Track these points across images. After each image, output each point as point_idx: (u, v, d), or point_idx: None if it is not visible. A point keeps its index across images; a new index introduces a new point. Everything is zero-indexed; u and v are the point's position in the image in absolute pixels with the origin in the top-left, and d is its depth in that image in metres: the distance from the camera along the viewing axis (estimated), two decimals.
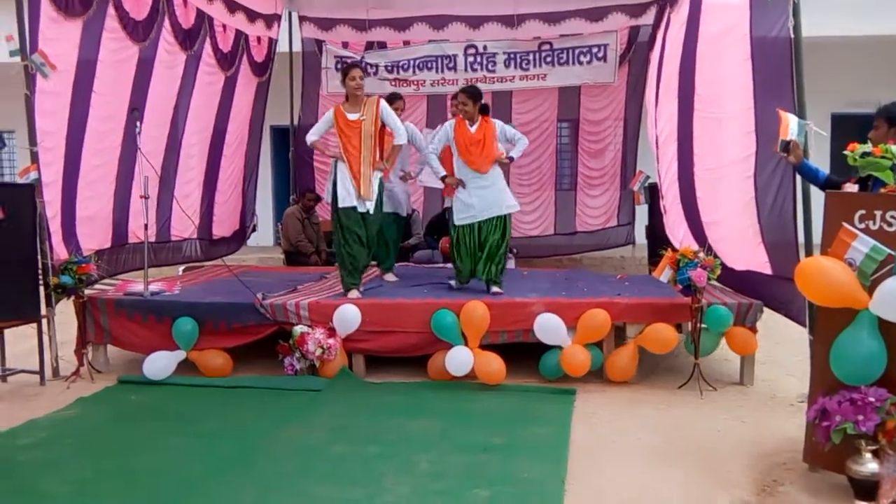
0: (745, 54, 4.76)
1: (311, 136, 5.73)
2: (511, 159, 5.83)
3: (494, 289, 5.52)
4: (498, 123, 5.74)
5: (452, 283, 5.87)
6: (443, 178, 5.81)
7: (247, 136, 8.50)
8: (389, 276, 6.44)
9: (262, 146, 9.30)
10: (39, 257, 4.98)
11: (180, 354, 5.12)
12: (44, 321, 5.02)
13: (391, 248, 6.54)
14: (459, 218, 5.66)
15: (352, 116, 5.50)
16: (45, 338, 5.04)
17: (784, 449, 3.66)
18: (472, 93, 5.67)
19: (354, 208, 5.48)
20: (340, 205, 5.49)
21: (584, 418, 4.24)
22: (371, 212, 5.53)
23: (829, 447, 3.05)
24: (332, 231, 5.98)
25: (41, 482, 3.36)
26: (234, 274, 6.16)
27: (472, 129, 5.64)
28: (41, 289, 5.00)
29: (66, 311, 5.36)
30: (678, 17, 6.20)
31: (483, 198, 5.60)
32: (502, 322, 5.04)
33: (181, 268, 7.59)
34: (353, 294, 5.43)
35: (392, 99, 6.30)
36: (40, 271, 4.99)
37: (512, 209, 5.72)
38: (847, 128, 6.87)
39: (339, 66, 9.12)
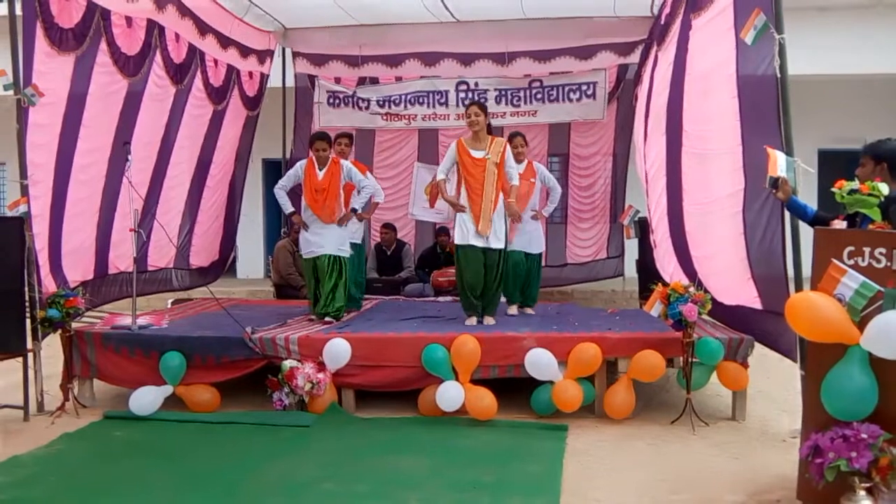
0: (732, 92, 4.83)
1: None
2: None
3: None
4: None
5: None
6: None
7: (232, 168, 8.50)
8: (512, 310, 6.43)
9: (254, 179, 9.32)
10: (27, 290, 4.94)
11: (167, 389, 5.05)
12: (29, 355, 4.95)
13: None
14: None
15: (477, 154, 5.66)
16: (31, 372, 4.96)
17: (777, 486, 3.63)
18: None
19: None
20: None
21: (577, 455, 4.20)
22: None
23: (822, 484, 3.02)
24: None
25: None
26: (223, 307, 6.12)
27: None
28: (27, 322, 4.94)
29: (52, 345, 5.29)
30: (666, 56, 6.30)
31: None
32: (493, 357, 5.01)
33: (169, 301, 7.54)
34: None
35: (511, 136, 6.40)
36: (27, 304, 4.94)
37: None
38: (834, 164, 6.96)
39: (331, 100, 9.21)
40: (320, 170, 5.90)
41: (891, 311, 2.95)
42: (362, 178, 6.13)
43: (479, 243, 5.60)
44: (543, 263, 9.45)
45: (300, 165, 6.00)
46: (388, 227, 8.77)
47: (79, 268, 5.94)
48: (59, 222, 5.64)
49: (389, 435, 4.59)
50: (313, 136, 6.19)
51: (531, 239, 6.47)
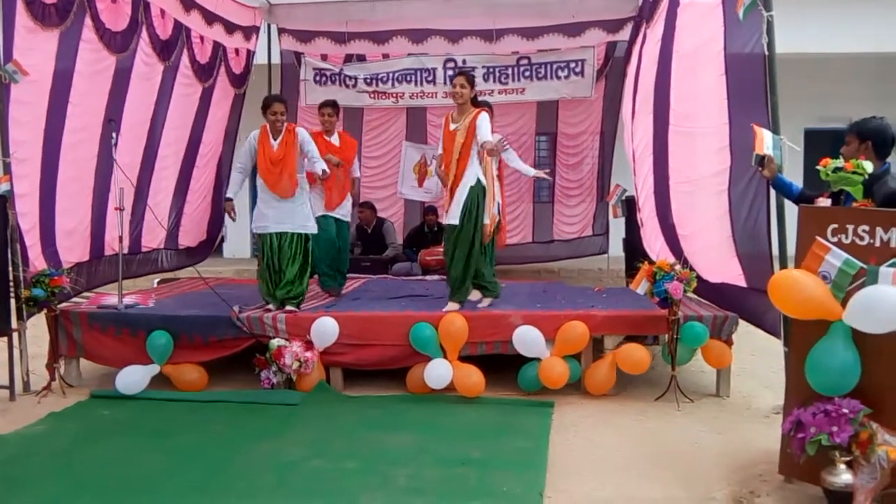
0: (720, 70, 4.83)
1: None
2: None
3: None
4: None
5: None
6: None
7: (221, 147, 8.43)
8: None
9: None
10: (11, 269, 4.90)
11: (154, 368, 5.05)
12: (15, 335, 4.92)
13: None
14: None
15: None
16: (16, 351, 4.94)
17: (760, 460, 3.68)
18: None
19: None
20: None
21: (563, 430, 4.24)
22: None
23: (804, 459, 3.07)
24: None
25: (9, 501, 3.28)
26: (210, 286, 6.10)
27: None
28: (12, 301, 4.91)
29: (37, 325, 5.26)
30: (654, 34, 6.28)
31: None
32: (481, 334, 5.04)
33: (156, 280, 7.51)
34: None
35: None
36: (11, 284, 4.90)
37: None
38: (819, 143, 6.98)
39: (317, 78, 9.12)
40: (275, 140, 5.35)
41: (872, 287, 2.98)
42: (314, 148, 5.50)
43: (449, 220, 5.37)
44: (531, 240, 9.59)
45: (253, 136, 5.41)
46: (365, 206, 8.66)
47: (75, 249, 5.91)
48: (50, 202, 5.57)
49: (378, 412, 4.61)
50: (267, 98, 5.55)
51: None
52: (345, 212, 6.42)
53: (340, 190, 6.24)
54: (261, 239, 5.50)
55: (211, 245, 8.64)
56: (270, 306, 5.39)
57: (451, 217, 5.33)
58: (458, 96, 5.34)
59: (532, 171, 6.56)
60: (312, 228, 5.54)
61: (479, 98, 5.99)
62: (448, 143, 5.39)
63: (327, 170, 5.51)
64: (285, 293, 5.35)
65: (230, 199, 5.58)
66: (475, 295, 5.56)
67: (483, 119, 5.29)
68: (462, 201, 5.28)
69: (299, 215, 5.44)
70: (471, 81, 5.40)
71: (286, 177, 5.37)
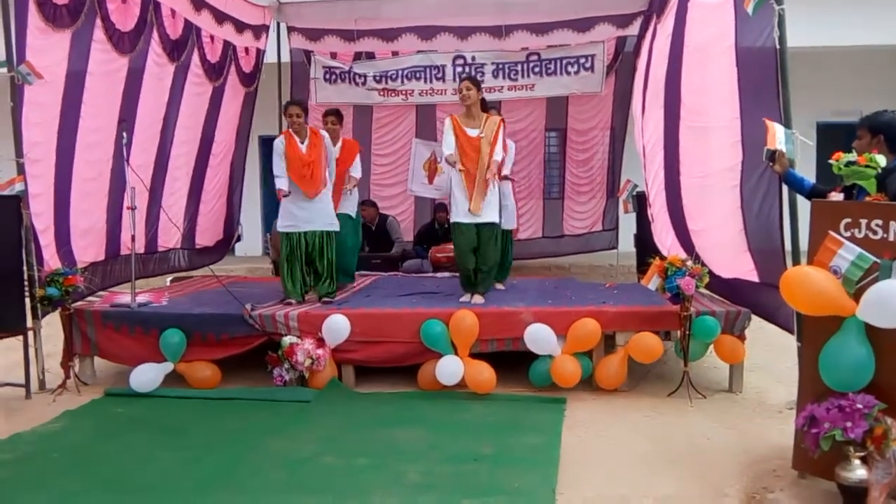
0: (731, 64, 4.80)
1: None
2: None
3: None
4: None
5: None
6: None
7: (233, 147, 8.47)
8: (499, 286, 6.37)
9: (251, 156, 9.27)
10: (25, 269, 4.94)
11: (168, 366, 5.08)
12: (30, 333, 4.97)
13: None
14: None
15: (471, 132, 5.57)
16: (31, 350, 4.99)
17: (773, 456, 3.67)
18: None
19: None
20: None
21: (575, 427, 4.24)
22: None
23: (818, 454, 3.05)
24: None
25: (25, 498, 3.32)
26: (222, 284, 6.13)
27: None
28: (27, 301, 4.95)
29: (52, 323, 5.31)
30: (664, 28, 6.25)
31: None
32: (491, 331, 5.04)
33: (168, 279, 7.55)
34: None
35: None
36: (26, 283, 4.94)
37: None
38: (832, 137, 6.93)
39: (326, 76, 9.14)
40: (302, 143, 5.64)
41: (886, 281, 2.96)
42: (332, 154, 5.90)
43: (472, 220, 5.58)
44: (541, 235, 9.58)
45: (279, 142, 5.68)
46: (367, 204, 8.60)
47: (91, 248, 5.96)
48: (65, 202, 5.62)
49: (389, 409, 4.62)
50: (287, 102, 5.98)
51: (504, 215, 6.40)
52: (353, 209, 6.43)
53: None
54: (288, 238, 5.68)
55: (227, 244, 8.70)
56: (292, 301, 5.55)
57: (489, 216, 5.61)
58: (466, 98, 5.55)
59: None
60: (336, 226, 5.79)
61: (487, 96, 6.14)
62: (471, 149, 5.55)
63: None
64: (324, 289, 5.67)
65: (284, 191, 5.65)
66: (466, 297, 5.66)
67: (501, 136, 5.67)
68: (494, 202, 5.64)
69: (326, 213, 5.73)
70: (476, 83, 5.65)
71: (317, 177, 5.63)
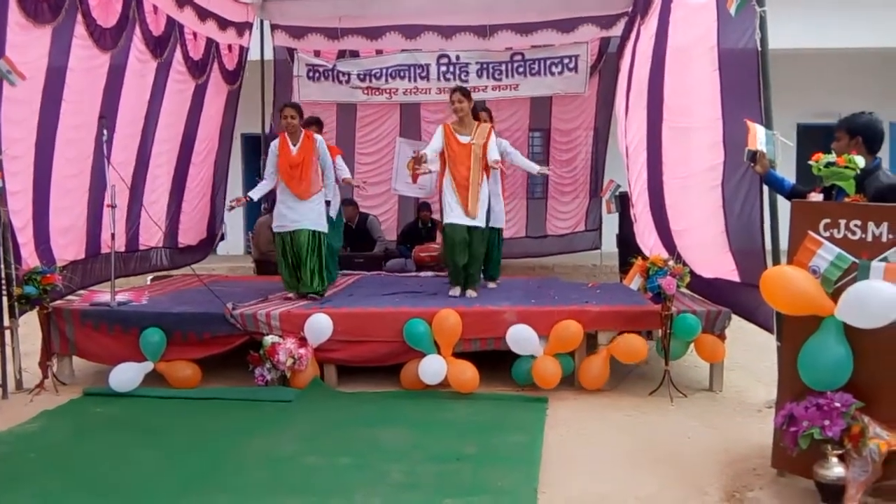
0: (713, 65, 4.84)
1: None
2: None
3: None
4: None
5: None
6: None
7: (216, 145, 8.42)
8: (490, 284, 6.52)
9: (233, 154, 9.21)
10: (3, 267, 4.87)
11: (147, 366, 5.04)
12: (7, 332, 4.90)
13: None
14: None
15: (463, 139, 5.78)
16: (8, 349, 4.91)
17: (753, 454, 3.70)
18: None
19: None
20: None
21: (557, 426, 4.25)
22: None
23: (796, 452, 3.09)
24: None
25: (3, 498, 3.27)
26: (203, 283, 6.08)
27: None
28: (4, 299, 4.89)
29: (29, 322, 5.24)
30: (648, 29, 6.29)
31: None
32: (474, 330, 5.04)
33: (149, 277, 7.49)
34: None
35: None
36: (3, 281, 4.88)
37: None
38: (812, 138, 7.01)
39: (310, 74, 9.10)
40: (294, 145, 5.74)
41: (864, 281, 3.00)
42: (328, 159, 5.95)
43: (465, 222, 5.79)
44: (524, 234, 9.61)
45: (274, 145, 5.83)
46: (346, 203, 8.55)
47: (71, 246, 5.89)
48: (44, 199, 5.55)
49: (372, 408, 4.61)
50: (283, 104, 6.08)
51: (494, 215, 6.50)
52: (334, 211, 6.45)
53: None
54: (279, 237, 5.82)
55: (211, 243, 8.65)
56: (291, 296, 5.81)
57: (478, 220, 5.84)
58: (459, 111, 5.77)
59: (536, 168, 6.63)
60: (324, 227, 5.87)
61: (474, 96, 6.24)
62: (462, 155, 5.78)
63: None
64: (306, 285, 5.72)
65: (248, 198, 5.96)
66: (455, 290, 5.91)
67: (493, 139, 5.95)
68: (484, 206, 5.87)
69: (314, 214, 5.80)
70: (467, 94, 5.85)
71: (305, 179, 5.71)
